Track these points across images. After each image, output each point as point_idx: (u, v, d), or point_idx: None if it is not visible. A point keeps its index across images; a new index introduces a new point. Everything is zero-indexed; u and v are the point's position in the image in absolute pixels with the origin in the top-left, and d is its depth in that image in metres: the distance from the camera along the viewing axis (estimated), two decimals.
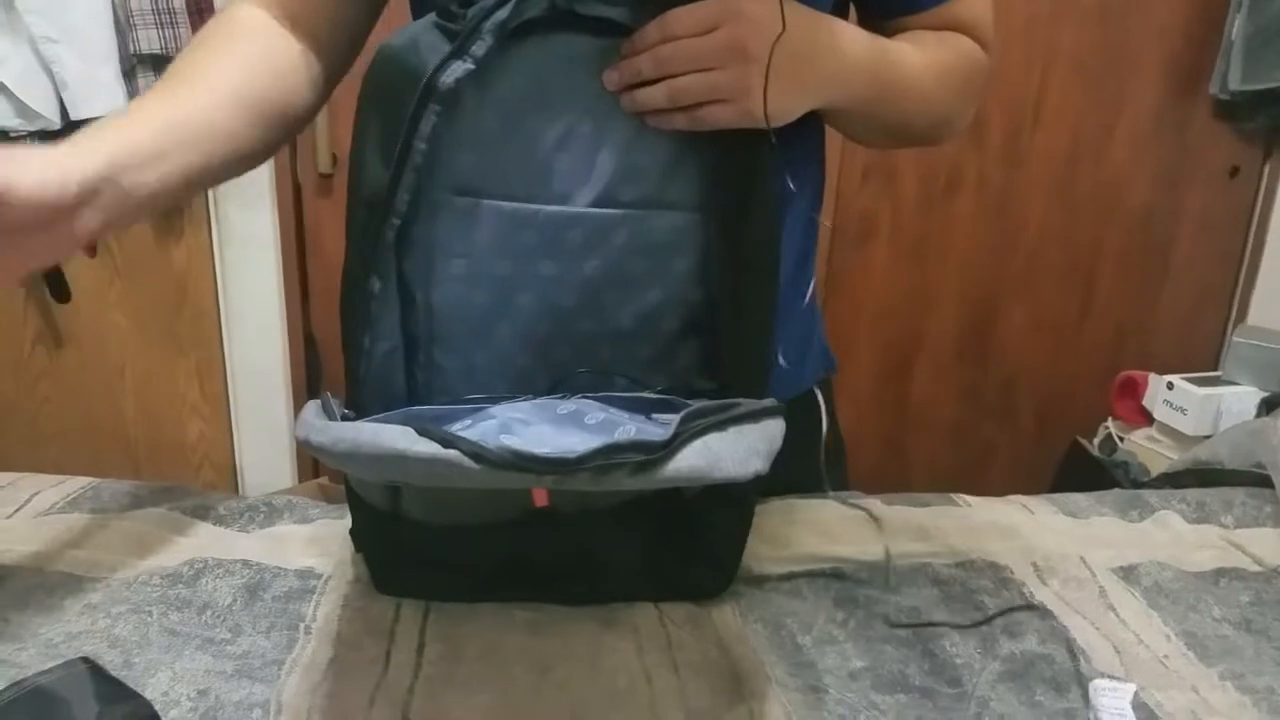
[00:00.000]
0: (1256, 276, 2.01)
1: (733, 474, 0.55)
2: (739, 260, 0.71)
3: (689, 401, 0.68)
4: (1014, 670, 0.74)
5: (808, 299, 0.95)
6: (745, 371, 0.73)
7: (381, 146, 0.68)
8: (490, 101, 0.67)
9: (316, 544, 0.89)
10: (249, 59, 0.77)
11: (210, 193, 1.74)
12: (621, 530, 0.78)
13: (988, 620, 0.81)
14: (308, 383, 1.86)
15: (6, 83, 1.48)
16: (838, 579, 0.86)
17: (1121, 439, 1.86)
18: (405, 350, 0.74)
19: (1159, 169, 1.98)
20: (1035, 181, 1.95)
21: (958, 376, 2.07)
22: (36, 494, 0.96)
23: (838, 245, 1.93)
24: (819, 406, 0.99)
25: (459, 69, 0.65)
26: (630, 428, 0.58)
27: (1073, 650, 0.77)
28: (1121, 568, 0.91)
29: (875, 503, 1.00)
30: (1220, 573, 0.91)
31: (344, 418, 0.64)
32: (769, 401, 0.62)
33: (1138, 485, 1.57)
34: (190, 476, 1.87)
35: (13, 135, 1.52)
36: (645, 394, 0.70)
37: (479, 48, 0.64)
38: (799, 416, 0.90)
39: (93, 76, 1.50)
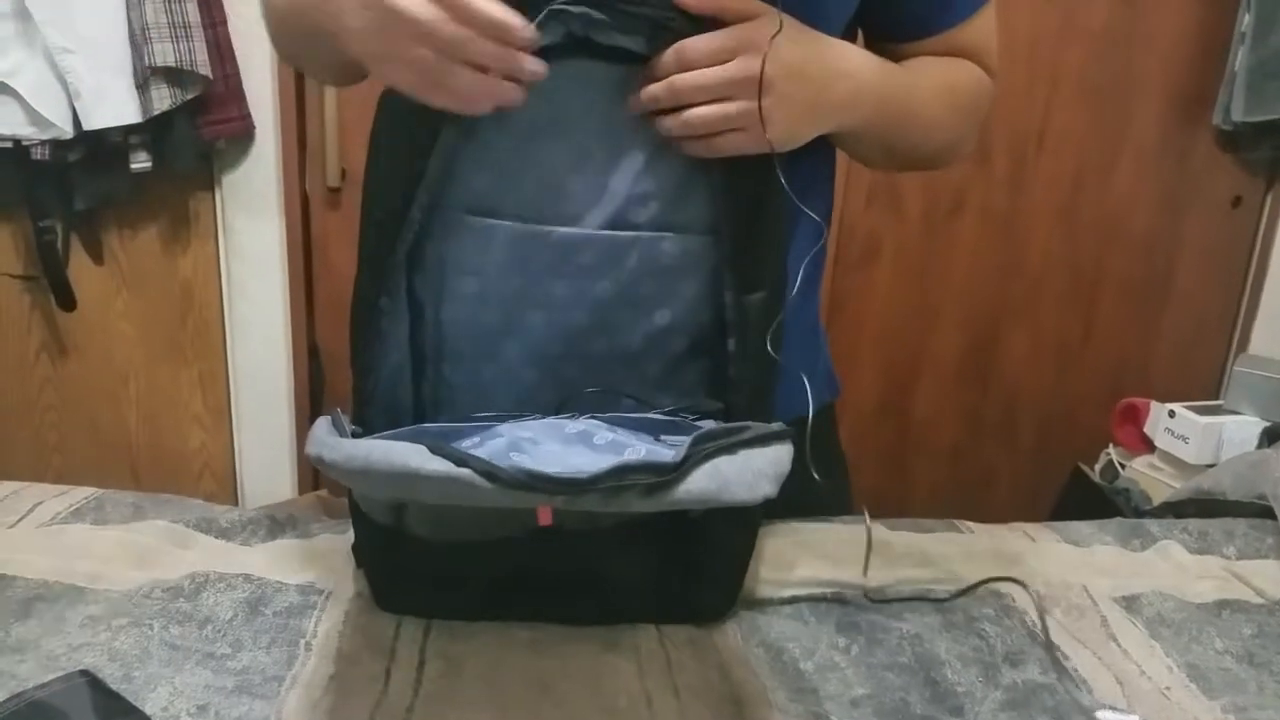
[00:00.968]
0: (1258, 306, 2.02)
1: (741, 498, 0.55)
2: (747, 283, 0.72)
3: (696, 423, 0.69)
4: (1015, 699, 0.74)
5: (814, 321, 0.96)
6: (751, 393, 0.73)
7: (395, 166, 0.69)
8: (507, 124, 0.68)
9: (318, 559, 0.89)
10: None
11: (218, 203, 1.74)
12: (626, 550, 0.78)
13: (964, 592, 0.82)
14: (311, 395, 1.87)
15: (21, 91, 1.49)
16: (840, 604, 0.86)
17: (1123, 466, 1.86)
18: (413, 366, 0.74)
19: (1162, 197, 1.99)
20: (1039, 206, 1.96)
21: (959, 399, 2.07)
22: (39, 504, 0.96)
23: (841, 266, 1.94)
24: (823, 428, 0.99)
25: None
26: (640, 449, 0.59)
27: (1074, 680, 0.77)
28: (1124, 597, 0.91)
29: (878, 527, 1.00)
30: (1222, 604, 0.91)
31: (353, 434, 0.64)
32: (778, 426, 0.62)
33: (1139, 513, 1.57)
34: (190, 486, 1.86)
35: (25, 143, 1.53)
36: (652, 415, 0.70)
37: None
38: (801, 438, 0.90)
39: (106, 87, 1.51)
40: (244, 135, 1.68)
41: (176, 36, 1.50)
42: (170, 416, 1.85)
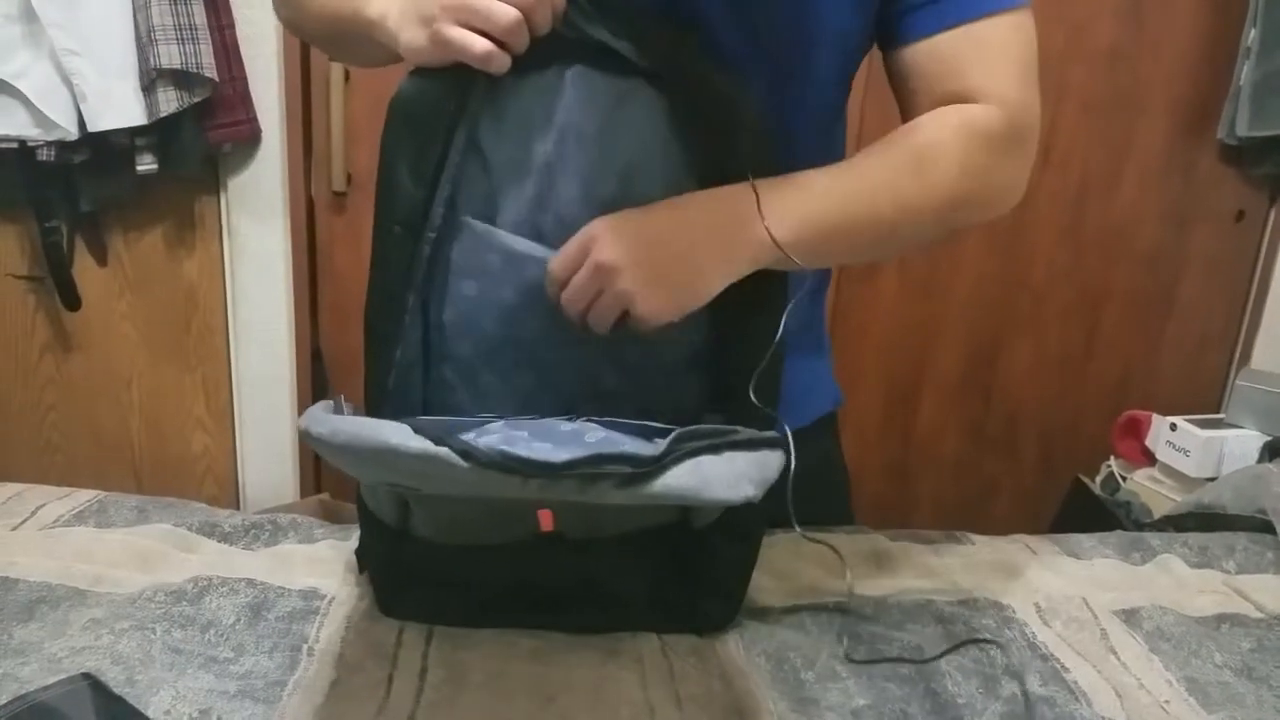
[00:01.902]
0: (1260, 320, 2.02)
1: (722, 496, 0.55)
2: (745, 296, 0.72)
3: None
4: (1015, 711, 0.74)
5: (819, 332, 0.96)
6: (751, 405, 0.73)
7: (414, 167, 0.69)
8: (505, 132, 0.69)
9: (320, 564, 0.89)
10: None
11: (223, 206, 1.74)
12: (629, 559, 0.78)
13: (941, 655, 0.81)
14: (314, 399, 1.87)
15: (27, 93, 1.49)
16: (842, 614, 0.86)
17: (1124, 478, 1.86)
18: (422, 365, 0.75)
19: (1166, 211, 1.99)
20: (1043, 220, 1.96)
21: (962, 411, 2.07)
22: (43, 506, 0.96)
23: (845, 278, 1.94)
24: (825, 437, 0.99)
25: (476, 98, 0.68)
26: (627, 445, 0.59)
27: (1074, 693, 0.77)
28: (1123, 610, 0.91)
29: (880, 538, 1.00)
30: (1222, 618, 0.91)
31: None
32: (769, 433, 0.62)
33: (1140, 526, 1.57)
34: (192, 489, 1.86)
35: (30, 145, 1.54)
36: (651, 423, 0.70)
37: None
38: (804, 449, 0.90)
39: (112, 90, 1.51)
40: (250, 139, 1.68)
41: (183, 39, 1.50)
42: (173, 419, 1.85)
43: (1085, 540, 1.06)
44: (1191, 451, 1.70)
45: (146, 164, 1.59)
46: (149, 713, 0.65)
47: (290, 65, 1.69)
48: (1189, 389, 2.07)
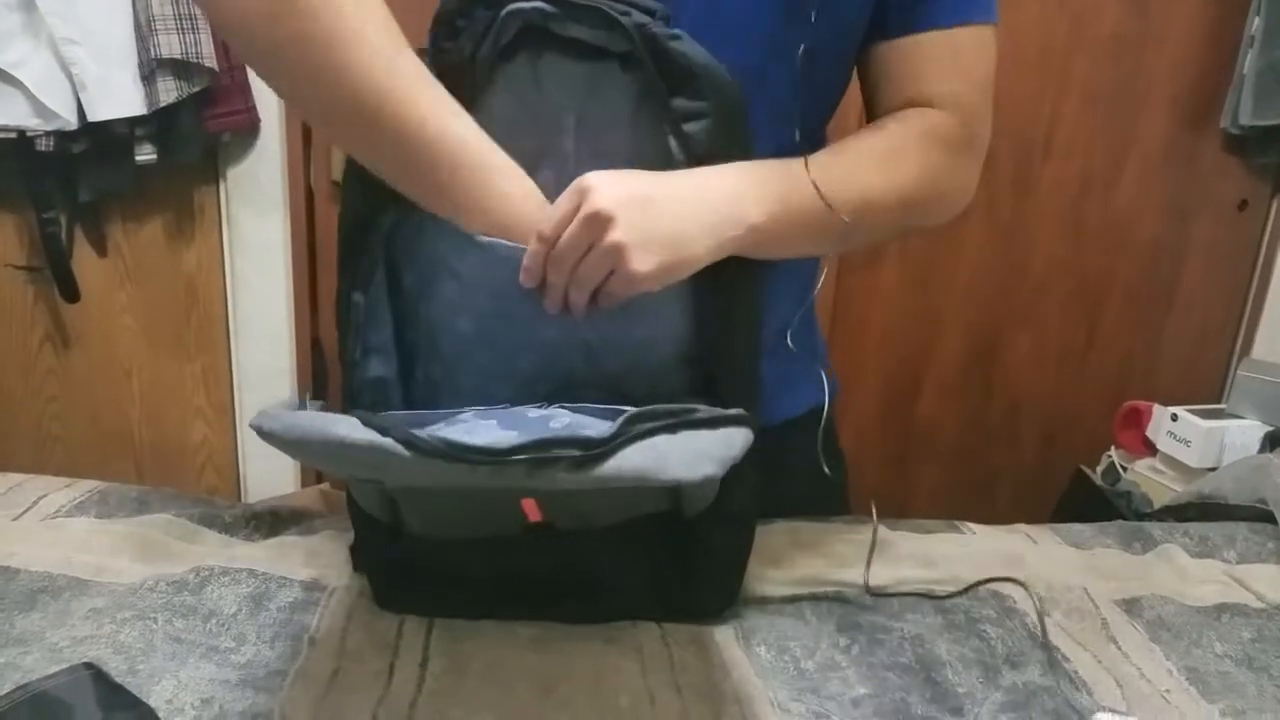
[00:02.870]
0: (1262, 310, 2.02)
1: (680, 476, 0.54)
2: (726, 290, 0.72)
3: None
4: (1016, 701, 0.74)
5: (810, 321, 0.95)
6: (736, 396, 0.72)
7: (363, 171, 0.70)
8: (483, 124, 0.68)
9: (321, 555, 0.89)
10: None
11: (223, 198, 1.74)
12: (621, 550, 0.78)
13: (965, 590, 0.82)
14: (314, 389, 1.87)
15: (26, 82, 1.49)
16: (841, 603, 0.86)
17: (1124, 469, 1.86)
18: (403, 364, 0.74)
19: (1168, 201, 1.98)
20: (1044, 210, 1.96)
21: (962, 401, 2.07)
22: (44, 496, 0.96)
23: (845, 268, 1.94)
24: (816, 429, 0.99)
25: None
26: (591, 429, 0.58)
27: (1074, 682, 0.77)
28: (1124, 600, 0.91)
29: (880, 527, 1.00)
30: (1222, 608, 0.91)
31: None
32: (734, 411, 0.62)
33: (1140, 516, 1.57)
34: (192, 480, 1.87)
35: (29, 135, 1.53)
36: (624, 407, 0.70)
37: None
38: (796, 438, 0.90)
39: (111, 79, 1.51)
40: (249, 128, 1.68)
41: (183, 28, 1.50)
42: (173, 410, 1.85)
43: (1086, 530, 1.06)
44: (1193, 442, 1.70)
45: (146, 154, 1.59)
46: (151, 702, 0.65)
47: None
48: (1190, 379, 2.07)
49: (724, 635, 0.80)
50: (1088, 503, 1.84)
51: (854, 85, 0.86)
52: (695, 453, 0.55)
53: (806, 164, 0.73)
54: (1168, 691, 0.77)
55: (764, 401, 0.78)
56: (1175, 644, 0.84)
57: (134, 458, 1.86)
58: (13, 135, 1.54)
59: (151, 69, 1.51)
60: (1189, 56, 1.90)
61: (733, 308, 0.74)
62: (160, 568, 0.84)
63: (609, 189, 0.65)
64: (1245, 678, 0.80)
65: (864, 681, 0.75)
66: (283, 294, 1.79)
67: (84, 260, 1.74)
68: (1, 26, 1.49)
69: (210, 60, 1.53)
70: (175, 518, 0.92)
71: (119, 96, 1.53)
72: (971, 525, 1.05)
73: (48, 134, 1.54)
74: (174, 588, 0.81)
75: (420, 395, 0.75)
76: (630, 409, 0.59)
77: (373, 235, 0.71)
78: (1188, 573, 0.97)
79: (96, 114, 1.52)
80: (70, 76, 1.51)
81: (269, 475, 1.87)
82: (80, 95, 1.51)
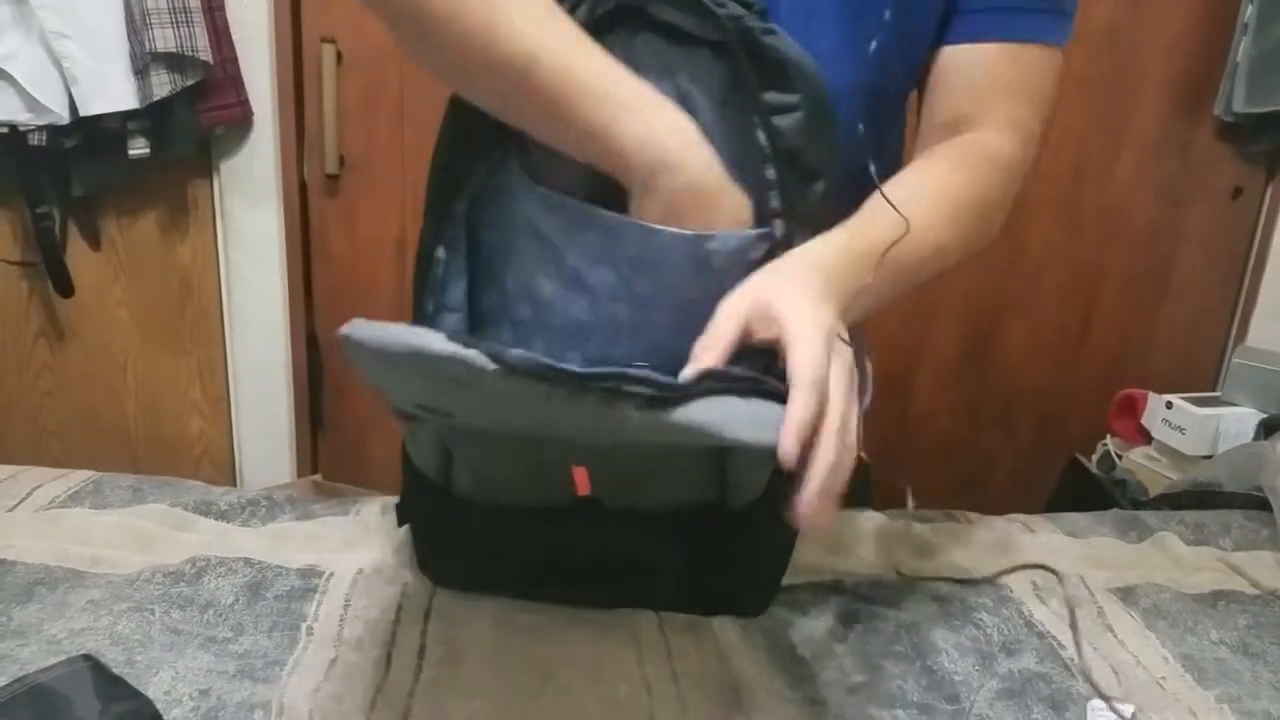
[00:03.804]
0: (1257, 298, 2.02)
1: (743, 438, 0.54)
2: None
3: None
4: (1012, 688, 0.74)
5: None
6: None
7: (457, 127, 0.70)
8: None
9: (319, 540, 0.89)
10: None
11: (216, 191, 1.74)
12: (665, 536, 0.77)
13: (1002, 574, 0.82)
14: (309, 383, 1.86)
15: (17, 77, 1.48)
16: (838, 592, 0.87)
17: (1120, 457, 1.87)
18: (473, 327, 0.74)
19: (1162, 189, 1.98)
20: (1038, 198, 1.96)
21: (958, 390, 2.07)
22: (38, 487, 0.96)
23: None
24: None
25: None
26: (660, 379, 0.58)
27: (1070, 670, 0.77)
28: (1120, 588, 0.91)
29: (878, 515, 1.00)
30: (1218, 595, 0.92)
31: None
32: None
33: (1136, 504, 1.57)
34: (189, 473, 1.85)
35: (22, 129, 1.52)
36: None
37: None
38: None
39: (104, 73, 1.50)
40: (242, 122, 1.67)
41: (177, 22, 1.49)
42: (168, 404, 1.84)
43: (1082, 519, 1.07)
44: (1188, 429, 1.70)
45: (139, 148, 1.58)
46: (149, 693, 0.65)
47: (281, 47, 1.68)
48: (1185, 367, 2.08)
49: (721, 624, 0.81)
50: (1083, 491, 1.84)
51: None
52: (761, 420, 0.54)
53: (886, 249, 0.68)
54: (1163, 679, 0.77)
55: None
56: (1171, 631, 0.85)
57: (129, 452, 1.86)
58: (5, 130, 1.53)
59: (145, 63, 1.50)
60: (1182, 43, 1.90)
61: None
62: (157, 558, 0.84)
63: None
64: (1241, 664, 0.81)
65: (860, 669, 0.76)
66: (277, 287, 1.78)
67: (78, 255, 1.73)
68: None
69: (204, 53, 1.52)
70: (170, 507, 0.92)
71: (112, 90, 1.52)
72: (968, 514, 1.05)
73: (40, 128, 1.53)
74: (171, 578, 0.81)
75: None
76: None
77: (459, 195, 0.71)
78: (1183, 560, 0.98)
79: (89, 108, 1.51)
80: (62, 71, 1.50)
81: (265, 468, 1.87)
82: (72, 89, 1.50)
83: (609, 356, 0.70)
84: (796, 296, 0.59)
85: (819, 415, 0.54)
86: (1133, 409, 1.87)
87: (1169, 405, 1.75)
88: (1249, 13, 1.81)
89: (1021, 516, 1.06)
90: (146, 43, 1.48)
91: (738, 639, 0.79)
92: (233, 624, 0.76)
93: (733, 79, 0.68)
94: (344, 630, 0.76)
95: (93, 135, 1.56)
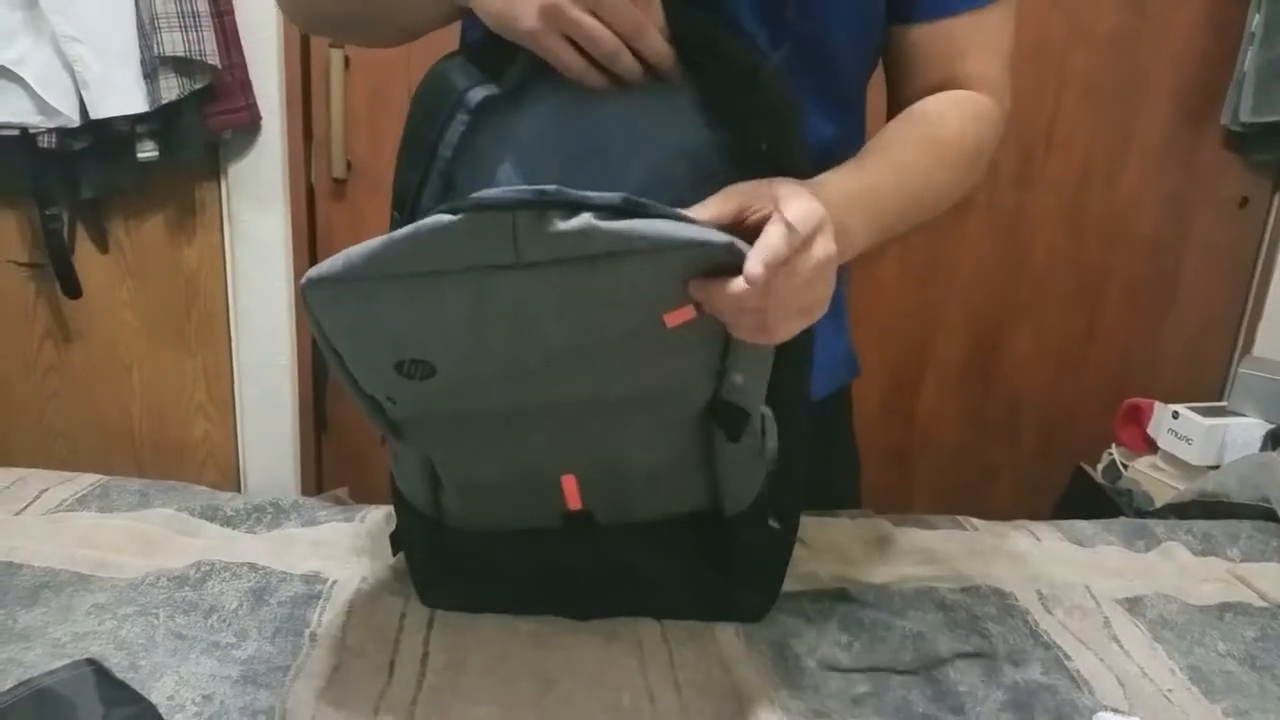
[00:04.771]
0: (1263, 307, 2.01)
1: (697, 237, 0.57)
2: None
3: None
4: (1017, 700, 0.74)
5: (840, 302, 0.94)
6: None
7: (411, 152, 0.70)
8: (527, 113, 0.68)
9: (323, 547, 0.89)
10: None
11: (224, 193, 1.74)
12: (660, 547, 0.77)
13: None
14: (315, 386, 1.87)
15: (28, 79, 1.49)
16: (843, 600, 0.86)
17: (1125, 466, 1.86)
18: None
19: (1168, 197, 1.98)
20: (1045, 206, 1.95)
21: (963, 397, 2.07)
22: (45, 491, 0.96)
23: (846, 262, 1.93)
24: (840, 409, 0.99)
25: (487, 89, 0.67)
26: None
27: (1076, 681, 0.77)
28: (1127, 599, 0.91)
29: (883, 523, 1.00)
30: (1225, 607, 0.91)
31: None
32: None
33: (1141, 514, 1.57)
34: (194, 475, 1.86)
35: (32, 131, 1.53)
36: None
37: (514, 70, 0.67)
38: (817, 425, 0.90)
39: (113, 76, 1.50)
40: (250, 125, 1.68)
41: (185, 26, 1.50)
42: (174, 406, 1.85)
43: (1089, 527, 1.06)
44: (1194, 439, 1.69)
45: (147, 151, 1.59)
46: (152, 698, 0.65)
47: (290, 51, 1.68)
48: (1191, 376, 2.07)
49: (724, 632, 0.80)
50: (1088, 500, 1.84)
51: None
52: (721, 234, 0.57)
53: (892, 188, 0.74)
54: (1170, 690, 0.77)
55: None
56: (1178, 643, 0.84)
57: (135, 453, 1.86)
58: (15, 132, 1.53)
59: (154, 66, 1.51)
60: (1189, 52, 1.90)
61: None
62: (161, 562, 0.84)
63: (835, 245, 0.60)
64: (1248, 677, 0.80)
65: (865, 680, 0.75)
66: (283, 290, 1.79)
67: (85, 256, 1.74)
68: (3, 24, 1.49)
69: (212, 57, 1.53)
70: (176, 512, 0.92)
71: (121, 93, 1.52)
72: (975, 521, 1.05)
73: (50, 131, 1.54)
74: (175, 583, 0.81)
75: None
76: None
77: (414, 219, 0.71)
78: (1190, 571, 0.97)
79: (99, 111, 1.51)
80: (72, 73, 1.51)
81: (269, 470, 1.88)
82: (82, 92, 1.51)
83: None
84: (798, 186, 0.62)
85: (793, 255, 0.56)
86: (1138, 418, 1.86)
87: (1175, 415, 1.75)
88: (1256, 22, 1.80)
89: (1028, 524, 1.06)
90: (155, 46, 1.48)
91: (741, 648, 0.78)
92: (237, 629, 0.76)
93: (697, 88, 0.68)
94: (347, 637, 0.76)
95: (102, 138, 1.57)
